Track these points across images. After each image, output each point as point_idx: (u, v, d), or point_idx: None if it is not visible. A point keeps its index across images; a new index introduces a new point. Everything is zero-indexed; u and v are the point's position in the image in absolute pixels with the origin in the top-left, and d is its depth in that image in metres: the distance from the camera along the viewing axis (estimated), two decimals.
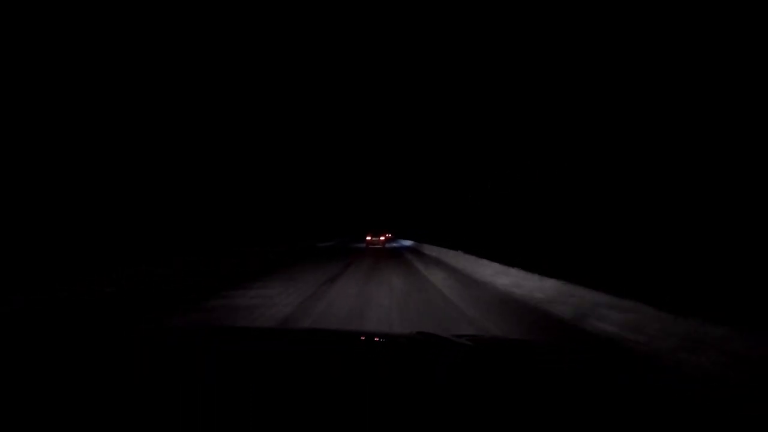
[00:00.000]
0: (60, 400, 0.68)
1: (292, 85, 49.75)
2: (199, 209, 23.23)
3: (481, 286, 7.66)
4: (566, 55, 12.59)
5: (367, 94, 62.25)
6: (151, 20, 21.15)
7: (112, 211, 16.12)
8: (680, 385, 0.99)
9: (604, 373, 0.95)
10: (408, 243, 31.29)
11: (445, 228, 24.56)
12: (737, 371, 2.79)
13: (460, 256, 12.74)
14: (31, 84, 14.71)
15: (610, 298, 4.60)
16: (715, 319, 3.61)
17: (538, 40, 14.42)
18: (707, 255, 7.17)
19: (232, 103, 29.61)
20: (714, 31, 7.45)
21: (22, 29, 15.00)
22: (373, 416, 0.62)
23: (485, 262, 10.07)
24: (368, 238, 25.54)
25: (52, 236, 12.67)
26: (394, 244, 30.75)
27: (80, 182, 15.17)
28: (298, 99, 48.61)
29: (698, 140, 7.99)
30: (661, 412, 0.71)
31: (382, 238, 25.69)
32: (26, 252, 10.74)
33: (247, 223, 28.97)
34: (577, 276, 6.16)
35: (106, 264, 9.82)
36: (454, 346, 1.10)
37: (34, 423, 0.61)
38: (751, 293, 4.97)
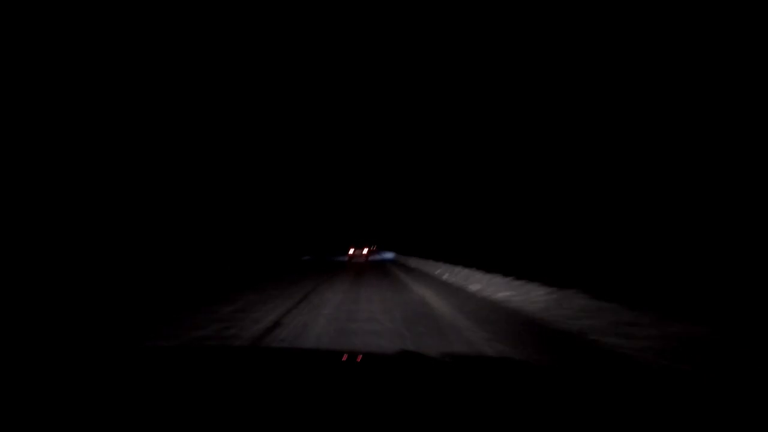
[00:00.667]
0: None
1: (272, 98, 49.89)
2: (179, 221, 22.87)
3: (450, 287, 8.38)
4: (551, 62, 13.09)
5: (347, 108, 62.95)
6: (151, 24, 21.07)
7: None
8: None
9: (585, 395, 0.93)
10: (390, 255, 31.61)
11: (427, 238, 24.97)
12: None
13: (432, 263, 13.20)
14: (60, 89, 14.66)
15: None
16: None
17: (522, 52, 14.97)
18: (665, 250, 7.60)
19: (208, 109, 29.49)
20: (708, 32, 7.51)
21: (22, 30, 14.71)
22: None
23: (458, 268, 10.59)
24: (351, 251, 25.42)
25: None
26: (377, 257, 30.93)
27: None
28: (276, 111, 48.74)
29: (666, 138, 8.31)
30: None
31: (365, 251, 25.66)
32: None
33: (228, 237, 28.59)
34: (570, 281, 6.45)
35: None
36: (435, 366, 1.11)
37: None
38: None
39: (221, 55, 34.15)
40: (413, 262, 18.47)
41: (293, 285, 9.49)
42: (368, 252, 26.22)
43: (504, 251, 13.01)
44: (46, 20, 15.94)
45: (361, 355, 1.54)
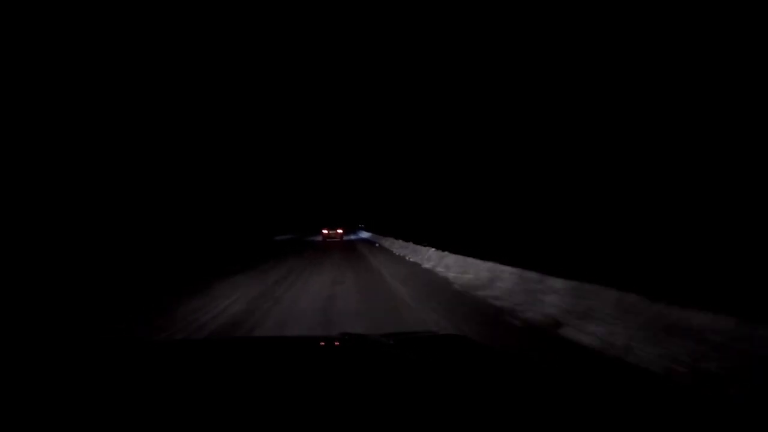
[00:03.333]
0: None
1: (247, 78, 48.20)
2: (151, 203, 22.29)
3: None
4: (517, 48, 13.13)
5: (318, 92, 61.56)
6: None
7: None
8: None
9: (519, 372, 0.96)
10: (366, 235, 31.90)
11: (403, 221, 25.29)
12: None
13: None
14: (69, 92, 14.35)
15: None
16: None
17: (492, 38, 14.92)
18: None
19: (182, 93, 28.41)
20: (704, 32, 7.49)
21: (23, 31, 14.19)
22: (278, 420, 0.64)
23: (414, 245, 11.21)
24: (324, 231, 25.30)
25: None
26: (352, 236, 31.20)
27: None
28: (250, 94, 47.25)
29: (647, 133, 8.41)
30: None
31: (339, 230, 25.64)
32: None
33: (206, 217, 28.10)
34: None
35: None
36: (374, 348, 1.13)
37: None
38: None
39: (196, 34, 32.60)
40: (385, 242, 18.84)
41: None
42: (342, 232, 26.17)
43: (480, 234, 13.37)
44: (46, 20, 15.19)
45: (299, 342, 1.52)
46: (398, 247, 14.83)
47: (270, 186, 48.24)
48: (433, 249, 10.26)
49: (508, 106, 14.53)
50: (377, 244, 19.78)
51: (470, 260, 7.55)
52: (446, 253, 9.09)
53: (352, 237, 30.30)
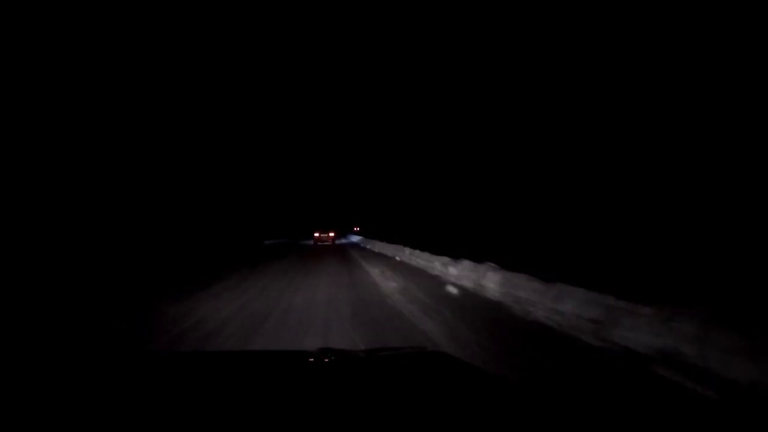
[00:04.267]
0: None
1: (238, 80, 48.39)
2: (141, 205, 22.26)
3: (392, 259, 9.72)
4: (517, 42, 13.12)
5: (310, 94, 61.83)
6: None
7: None
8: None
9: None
10: (356, 239, 32.06)
11: (394, 224, 25.49)
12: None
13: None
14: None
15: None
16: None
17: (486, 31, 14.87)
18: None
19: (173, 93, 28.52)
20: (701, 32, 7.51)
21: (23, 31, 14.24)
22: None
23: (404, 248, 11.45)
24: (316, 235, 25.27)
25: None
26: (343, 240, 31.31)
27: None
28: (241, 95, 47.42)
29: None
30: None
31: (331, 234, 25.68)
32: None
33: (196, 220, 28.04)
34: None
35: None
36: (353, 365, 1.15)
37: None
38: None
39: (188, 30, 32.78)
40: (377, 246, 19.11)
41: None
42: (334, 236, 26.27)
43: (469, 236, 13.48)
44: (46, 20, 15.30)
45: (279, 356, 1.53)
46: (386, 248, 15.15)
47: (263, 189, 48.22)
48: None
49: (506, 111, 14.75)
50: (369, 247, 19.99)
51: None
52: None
53: (344, 241, 30.40)
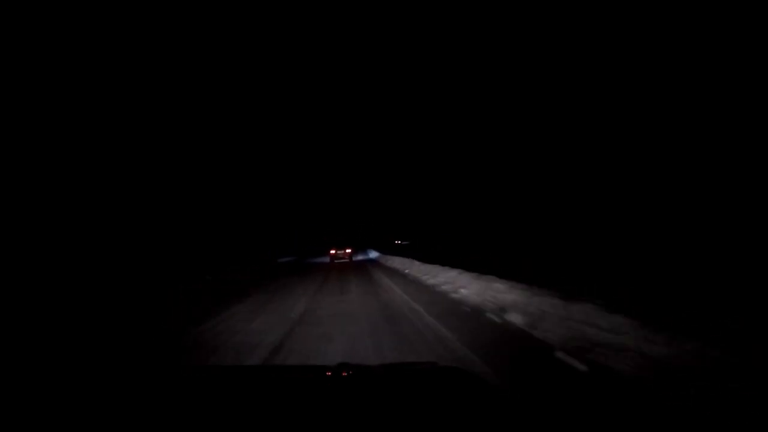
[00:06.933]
0: None
1: (252, 93, 49.11)
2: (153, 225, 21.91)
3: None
4: (524, 50, 12.87)
5: (331, 106, 62.38)
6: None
7: None
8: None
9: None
10: (374, 255, 30.86)
11: (411, 239, 24.42)
12: None
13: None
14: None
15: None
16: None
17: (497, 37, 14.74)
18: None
19: (182, 105, 28.66)
20: (699, 33, 7.33)
21: (23, 31, 14.52)
22: None
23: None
24: (332, 252, 24.22)
25: None
26: (360, 257, 30.15)
27: None
28: (256, 108, 47.98)
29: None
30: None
31: (348, 250, 24.50)
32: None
33: (206, 241, 27.56)
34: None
35: None
36: (370, 380, 1.19)
37: None
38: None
39: (200, 44, 33.37)
40: (396, 262, 17.98)
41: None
42: (351, 252, 25.12)
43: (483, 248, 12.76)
44: (46, 20, 15.61)
45: (299, 371, 1.60)
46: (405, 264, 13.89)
47: (275, 205, 48.03)
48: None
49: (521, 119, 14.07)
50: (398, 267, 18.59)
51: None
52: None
53: (361, 257, 29.24)
